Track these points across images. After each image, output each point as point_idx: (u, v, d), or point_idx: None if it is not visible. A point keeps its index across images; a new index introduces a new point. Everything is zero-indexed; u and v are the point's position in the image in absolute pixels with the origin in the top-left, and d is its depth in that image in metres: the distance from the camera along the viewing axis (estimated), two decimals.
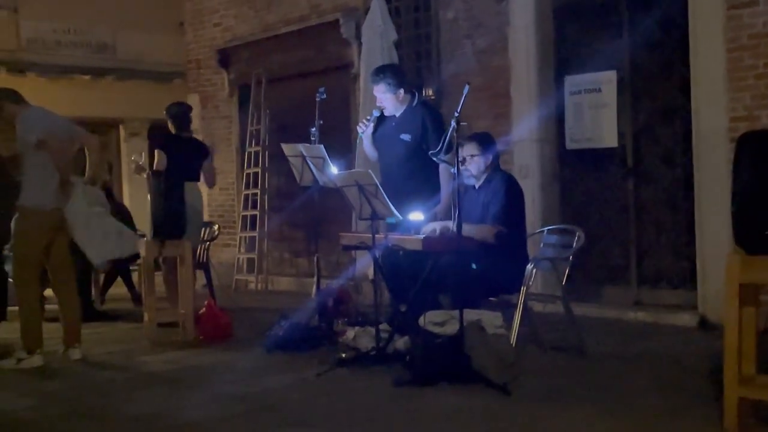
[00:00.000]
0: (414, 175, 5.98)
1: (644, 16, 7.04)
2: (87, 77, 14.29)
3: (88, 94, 14.02)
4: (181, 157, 7.28)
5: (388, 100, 6.10)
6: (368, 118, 6.20)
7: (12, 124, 5.92)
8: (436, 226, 5.43)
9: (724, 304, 3.77)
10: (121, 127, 15.35)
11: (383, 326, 5.54)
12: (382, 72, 6.19)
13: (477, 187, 5.68)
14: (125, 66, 14.50)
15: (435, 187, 5.98)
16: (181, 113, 7.57)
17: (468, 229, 5.23)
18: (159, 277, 7.15)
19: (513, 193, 5.59)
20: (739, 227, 3.72)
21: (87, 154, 6.03)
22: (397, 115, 6.15)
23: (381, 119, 6.23)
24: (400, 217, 5.28)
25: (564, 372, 5.12)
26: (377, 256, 5.58)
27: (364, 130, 6.20)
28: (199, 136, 11.36)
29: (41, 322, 5.98)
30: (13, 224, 6.07)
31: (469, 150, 5.58)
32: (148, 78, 14.56)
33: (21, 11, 13.66)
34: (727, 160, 5.84)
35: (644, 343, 6.01)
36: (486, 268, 5.22)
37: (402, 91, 6.10)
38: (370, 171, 5.29)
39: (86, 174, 6.06)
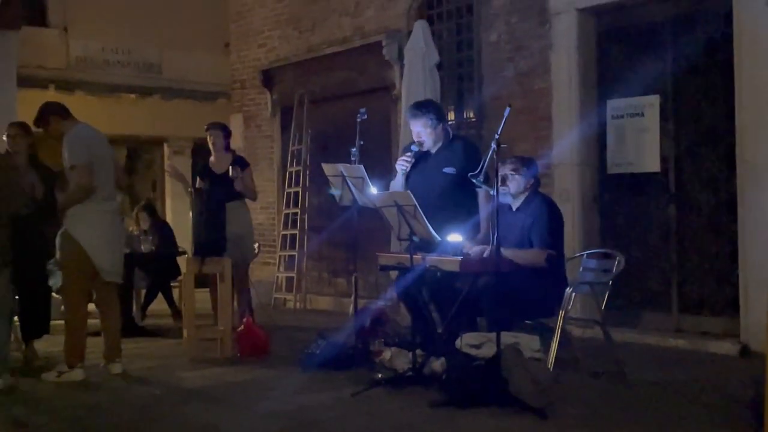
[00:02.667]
0: (454, 209, 5.83)
1: (688, 40, 6.99)
2: (133, 96, 14.52)
3: (134, 113, 14.24)
4: (224, 176, 7.39)
5: (427, 135, 6.02)
6: (408, 154, 6.08)
7: (59, 139, 6.02)
8: (483, 250, 5.42)
9: (766, 331, 3.71)
10: (165, 145, 15.54)
11: (419, 351, 5.52)
12: (424, 107, 6.11)
13: (515, 209, 5.67)
14: (171, 85, 14.71)
15: (473, 213, 5.94)
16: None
17: (517, 254, 5.25)
18: (199, 294, 7.22)
19: (555, 215, 5.60)
20: None
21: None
22: (433, 151, 6.07)
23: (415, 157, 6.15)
24: (439, 239, 5.28)
25: (602, 398, 5.07)
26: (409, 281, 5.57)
27: (407, 168, 6.04)
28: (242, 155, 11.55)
29: (85, 338, 6.06)
30: (59, 240, 6.16)
31: (510, 167, 5.58)
32: (192, 97, 14.75)
33: (71, 31, 13.94)
34: None
35: (684, 370, 5.92)
36: (524, 290, 5.20)
37: (441, 126, 6.07)
38: (409, 192, 5.29)
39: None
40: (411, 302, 5.94)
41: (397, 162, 6.17)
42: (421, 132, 6.02)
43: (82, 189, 5.86)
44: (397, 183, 6.18)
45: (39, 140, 6.83)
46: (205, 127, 7.84)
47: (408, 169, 6.05)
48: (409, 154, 6.07)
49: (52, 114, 6.04)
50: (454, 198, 5.88)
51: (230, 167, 7.51)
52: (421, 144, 6.04)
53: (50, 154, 7.11)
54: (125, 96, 14.42)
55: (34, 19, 13.09)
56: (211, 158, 7.80)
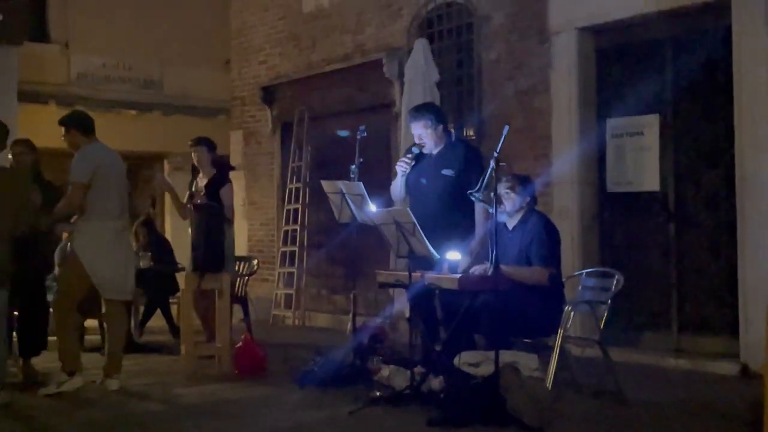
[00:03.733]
0: (452, 212, 5.95)
1: (688, 60, 7.01)
2: (134, 112, 14.55)
3: (134, 129, 14.25)
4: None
5: (428, 136, 6.09)
6: (408, 156, 6.17)
7: (73, 151, 6.09)
8: (484, 268, 5.41)
9: (765, 351, 3.70)
10: (165, 161, 15.56)
11: (417, 369, 5.51)
12: (423, 108, 6.25)
13: (511, 227, 5.67)
14: (171, 101, 14.73)
15: (473, 223, 5.97)
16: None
17: (520, 273, 5.24)
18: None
19: (552, 233, 5.61)
20: None
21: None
22: (435, 153, 6.15)
23: (416, 159, 6.20)
24: (438, 256, 5.28)
25: (600, 418, 5.04)
26: (411, 296, 5.57)
27: (406, 170, 6.13)
28: (241, 173, 11.56)
29: (78, 344, 6.08)
30: (58, 255, 6.17)
31: (506, 187, 5.58)
32: (193, 113, 14.76)
33: (72, 46, 13.99)
34: None
35: (684, 390, 5.90)
36: (523, 309, 5.19)
37: (441, 127, 6.12)
38: (408, 209, 5.31)
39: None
40: (423, 312, 5.92)
41: (398, 163, 6.23)
42: (422, 134, 6.09)
43: (70, 206, 5.99)
44: (397, 185, 6.27)
45: (42, 156, 6.86)
46: (189, 143, 7.76)
47: (408, 171, 6.12)
48: (409, 155, 6.14)
49: (75, 126, 6.11)
50: (453, 201, 5.92)
51: (201, 188, 7.44)
52: (421, 147, 6.09)
53: (54, 170, 7.13)
54: (125, 112, 14.45)
55: (35, 34, 13.12)
56: (200, 175, 7.74)
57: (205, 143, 7.67)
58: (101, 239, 5.97)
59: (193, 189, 7.51)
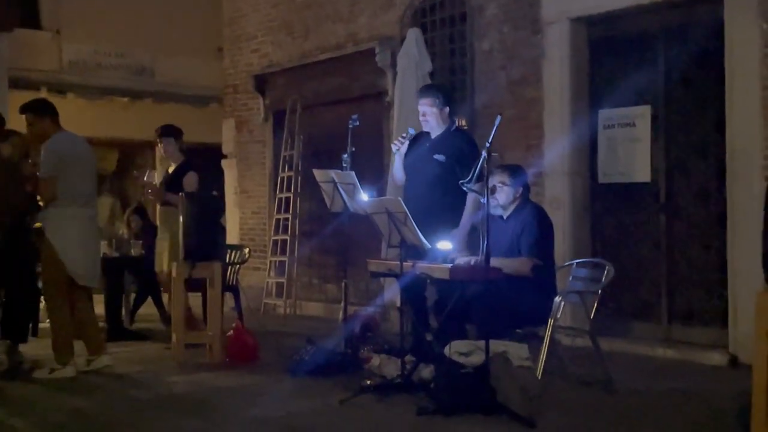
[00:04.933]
0: (442, 197, 5.99)
1: (680, 52, 7.02)
2: (125, 99, 14.50)
3: (125, 116, 14.22)
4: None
5: (432, 114, 6.14)
6: (403, 135, 6.24)
7: (40, 141, 6.08)
8: (471, 259, 5.44)
9: (754, 343, 3.72)
10: (156, 149, 15.54)
11: (408, 358, 5.53)
12: (434, 87, 6.44)
13: (505, 218, 5.68)
14: (163, 89, 14.68)
15: (462, 202, 6.00)
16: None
17: (504, 263, 5.24)
18: (190, 299, 7.21)
19: (545, 224, 5.62)
20: None
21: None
22: (433, 136, 6.19)
23: (413, 141, 6.26)
24: (429, 246, 5.29)
25: (590, 407, 5.07)
26: (402, 286, 5.58)
27: (399, 148, 6.23)
28: (233, 161, 11.56)
29: (72, 336, 6.09)
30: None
31: (498, 179, 5.60)
32: (185, 101, 14.72)
33: (63, 33, 13.92)
34: (760, 197, 5.77)
35: (673, 380, 5.93)
36: (513, 299, 5.21)
37: (447, 109, 6.16)
38: (399, 199, 5.32)
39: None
40: (414, 302, 5.93)
41: (393, 142, 6.35)
42: (427, 111, 6.17)
43: (44, 200, 6.04)
44: (397, 165, 6.40)
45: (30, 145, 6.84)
46: (155, 133, 7.77)
47: (400, 149, 6.23)
48: (404, 135, 6.21)
49: (49, 113, 6.12)
50: (443, 186, 5.98)
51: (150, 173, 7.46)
52: (418, 130, 6.17)
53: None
54: (117, 99, 14.40)
55: (26, 21, 13.05)
56: (169, 166, 7.74)
57: (171, 133, 7.69)
58: (77, 227, 6.04)
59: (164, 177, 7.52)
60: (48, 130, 6.09)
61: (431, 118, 6.17)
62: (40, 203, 6.12)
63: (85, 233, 6.13)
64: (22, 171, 6.35)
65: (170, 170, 7.66)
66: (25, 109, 6.19)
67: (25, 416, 5.02)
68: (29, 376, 6.02)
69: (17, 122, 6.85)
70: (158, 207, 7.64)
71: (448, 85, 7.89)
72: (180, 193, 7.33)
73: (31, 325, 7.27)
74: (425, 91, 6.29)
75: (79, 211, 6.09)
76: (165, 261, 7.33)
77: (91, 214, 6.26)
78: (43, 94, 12.70)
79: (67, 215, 6.01)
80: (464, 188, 5.37)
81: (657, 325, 7.19)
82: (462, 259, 5.50)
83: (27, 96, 12.18)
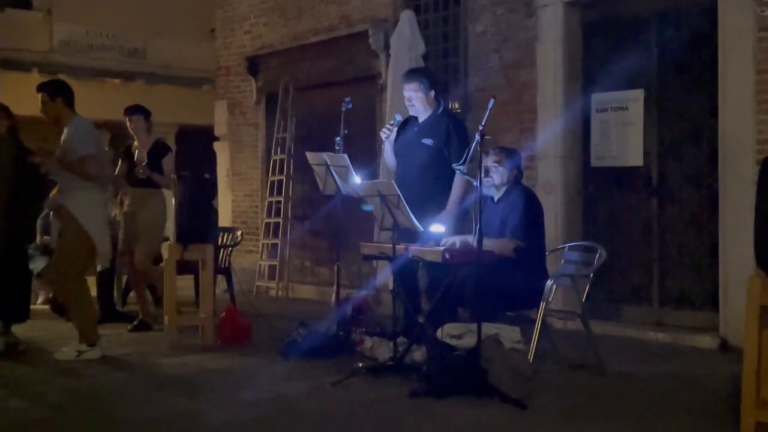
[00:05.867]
0: (433, 181, 5.99)
1: (674, 35, 7.02)
2: (117, 81, 14.44)
3: (117, 98, 14.06)
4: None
5: (418, 99, 6.12)
6: (392, 123, 6.23)
7: (53, 122, 6.05)
8: (456, 240, 5.45)
9: (745, 326, 3.74)
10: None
11: (400, 340, 5.54)
12: (418, 71, 6.36)
13: (496, 200, 5.69)
14: (155, 71, 14.63)
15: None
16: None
17: (487, 243, 5.23)
18: (181, 281, 7.20)
19: (532, 207, 5.60)
20: (761, 250, 3.69)
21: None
22: (421, 120, 6.19)
23: (402, 126, 6.26)
24: (422, 229, 5.29)
25: (581, 389, 5.10)
26: (395, 269, 5.59)
27: (388, 135, 6.22)
28: (225, 143, 11.53)
29: (96, 315, 6.22)
30: (39, 225, 6.17)
31: (493, 159, 5.60)
32: (177, 83, 14.67)
33: (54, 13, 13.84)
34: (752, 182, 5.79)
35: (664, 363, 5.96)
36: (505, 282, 5.21)
37: (433, 93, 6.14)
38: (392, 182, 5.31)
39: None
40: (406, 284, 5.93)
41: (381, 130, 6.33)
42: (412, 96, 6.15)
43: (98, 180, 6.08)
44: (387, 152, 6.41)
45: (24, 125, 6.81)
46: (124, 111, 7.73)
47: (389, 136, 6.22)
48: (392, 122, 6.22)
49: (63, 95, 6.07)
50: (432, 170, 5.99)
51: (143, 157, 7.42)
52: (405, 115, 6.17)
53: (30, 137, 7.07)
54: (109, 81, 14.35)
55: (17, 1, 12.97)
56: (135, 142, 7.70)
57: (141, 111, 7.67)
58: (98, 207, 6.13)
59: (135, 159, 7.47)
60: (60, 112, 6.07)
61: (417, 103, 6.15)
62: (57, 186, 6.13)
63: (106, 214, 6.34)
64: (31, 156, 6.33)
65: (137, 151, 7.58)
66: (40, 88, 6.18)
67: (20, 397, 5.02)
68: (26, 357, 6.02)
69: (9, 102, 6.82)
70: (129, 188, 7.59)
71: (431, 69, 7.81)
72: (172, 175, 7.32)
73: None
74: (409, 75, 6.24)
75: (100, 194, 6.19)
76: (136, 243, 7.38)
77: (108, 197, 6.50)
78: (34, 74, 12.66)
79: (94, 197, 6.07)
80: (456, 170, 5.36)
81: (648, 309, 7.22)
82: (448, 240, 5.50)
83: (18, 77, 12.20)
